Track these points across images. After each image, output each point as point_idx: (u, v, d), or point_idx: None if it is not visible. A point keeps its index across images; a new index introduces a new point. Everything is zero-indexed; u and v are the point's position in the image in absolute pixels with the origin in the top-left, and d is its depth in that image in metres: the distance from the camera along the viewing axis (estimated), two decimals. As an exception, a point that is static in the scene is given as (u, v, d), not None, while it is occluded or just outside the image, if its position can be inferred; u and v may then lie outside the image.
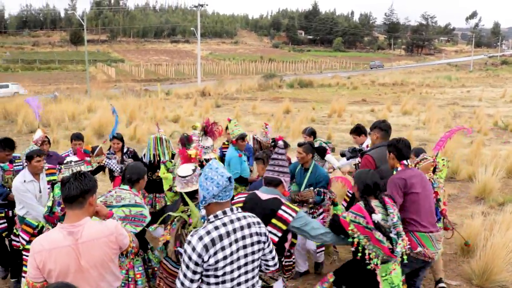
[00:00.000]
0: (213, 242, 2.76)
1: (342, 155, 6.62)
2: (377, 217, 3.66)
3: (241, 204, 3.72)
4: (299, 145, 5.62)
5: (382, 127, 5.24)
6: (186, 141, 6.40)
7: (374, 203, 3.81)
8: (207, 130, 6.49)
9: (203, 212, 2.99)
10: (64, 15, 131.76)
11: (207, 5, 51.33)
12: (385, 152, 4.56)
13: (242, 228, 2.87)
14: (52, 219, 4.63)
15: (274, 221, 3.61)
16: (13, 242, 5.46)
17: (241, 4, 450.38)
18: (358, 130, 6.43)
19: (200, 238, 2.76)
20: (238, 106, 25.34)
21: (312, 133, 7.20)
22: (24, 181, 5.10)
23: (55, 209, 4.63)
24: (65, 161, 5.18)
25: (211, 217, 2.88)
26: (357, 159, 5.83)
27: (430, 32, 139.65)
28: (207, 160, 5.78)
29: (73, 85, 49.36)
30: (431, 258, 4.27)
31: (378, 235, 3.62)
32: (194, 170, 4.03)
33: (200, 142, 6.26)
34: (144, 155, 6.96)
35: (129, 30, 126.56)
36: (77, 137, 6.79)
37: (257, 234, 2.93)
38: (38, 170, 5.23)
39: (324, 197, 5.37)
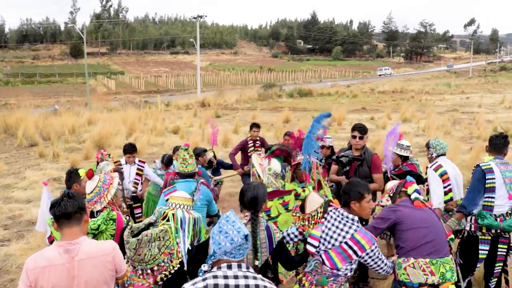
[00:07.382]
0: None
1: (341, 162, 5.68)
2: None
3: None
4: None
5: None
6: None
7: None
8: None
9: (206, 267, 2.49)
10: (64, 28, 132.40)
11: (206, 16, 51.82)
12: None
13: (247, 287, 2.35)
14: None
15: None
16: None
17: (241, 15, 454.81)
18: None
19: (193, 284, 2.35)
20: (238, 116, 25.36)
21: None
22: None
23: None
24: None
25: (214, 269, 2.46)
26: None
27: (429, 39, 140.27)
28: None
29: (73, 98, 49.35)
30: None
31: None
32: None
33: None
34: None
35: (129, 42, 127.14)
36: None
37: None
38: None
39: None
